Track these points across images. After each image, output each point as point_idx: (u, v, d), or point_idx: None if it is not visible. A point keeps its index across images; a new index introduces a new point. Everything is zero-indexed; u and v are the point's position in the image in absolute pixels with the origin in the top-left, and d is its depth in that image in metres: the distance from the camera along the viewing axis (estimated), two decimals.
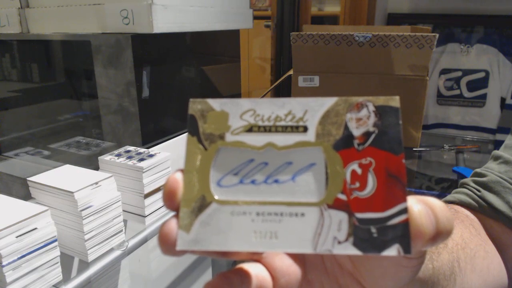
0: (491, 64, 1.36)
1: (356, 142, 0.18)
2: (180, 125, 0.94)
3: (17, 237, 0.48)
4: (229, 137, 0.19)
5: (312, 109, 0.19)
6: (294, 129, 0.19)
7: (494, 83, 1.36)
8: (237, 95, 1.20)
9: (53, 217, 0.52)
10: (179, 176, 0.19)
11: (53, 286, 0.53)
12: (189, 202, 0.19)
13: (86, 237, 0.57)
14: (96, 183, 0.59)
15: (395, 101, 0.19)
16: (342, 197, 0.18)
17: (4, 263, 0.46)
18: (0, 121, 1.00)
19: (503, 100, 1.36)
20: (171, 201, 0.19)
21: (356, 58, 1.08)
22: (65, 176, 0.61)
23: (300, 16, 1.40)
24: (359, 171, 0.18)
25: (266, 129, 0.19)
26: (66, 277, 0.55)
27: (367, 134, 0.18)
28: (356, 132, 0.18)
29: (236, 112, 0.20)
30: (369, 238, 0.18)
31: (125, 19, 0.71)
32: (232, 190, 0.19)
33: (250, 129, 0.19)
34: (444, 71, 1.42)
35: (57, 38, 0.89)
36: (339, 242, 0.18)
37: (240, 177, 0.19)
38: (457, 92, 1.42)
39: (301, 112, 0.19)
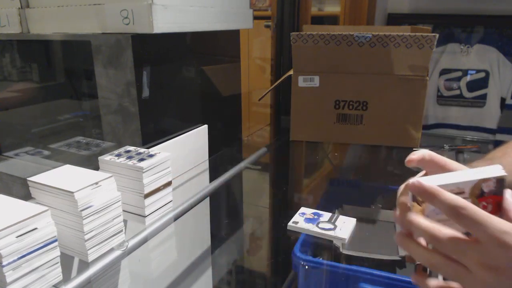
0: (491, 64, 1.36)
1: (485, 193, 0.37)
2: (180, 125, 0.94)
3: (17, 237, 0.48)
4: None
5: (467, 185, 0.37)
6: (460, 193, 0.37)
7: (494, 83, 1.36)
8: (237, 95, 1.20)
9: (53, 217, 0.52)
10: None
11: (53, 286, 0.53)
12: None
13: (86, 237, 0.57)
14: (96, 183, 0.59)
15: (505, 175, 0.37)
16: None
17: (4, 263, 0.46)
18: (0, 121, 1.00)
19: (503, 100, 1.36)
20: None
21: (356, 58, 1.08)
22: (65, 176, 0.61)
23: (300, 16, 1.40)
24: (484, 204, 0.37)
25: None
26: (66, 277, 0.55)
27: (491, 191, 0.37)
28: (486, 189, 0.37)
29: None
30: None
31: (125, 19, 0.71)
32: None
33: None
34: (444, 71, 1.42)
35: (57, 38, 0.89)
36: None
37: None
38: (457, 92, 1.42)
39: (464, 187, 0.37)
